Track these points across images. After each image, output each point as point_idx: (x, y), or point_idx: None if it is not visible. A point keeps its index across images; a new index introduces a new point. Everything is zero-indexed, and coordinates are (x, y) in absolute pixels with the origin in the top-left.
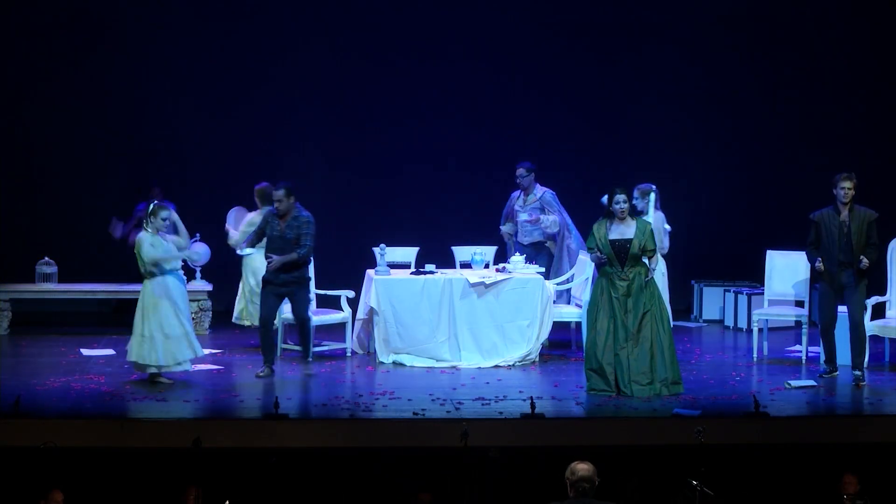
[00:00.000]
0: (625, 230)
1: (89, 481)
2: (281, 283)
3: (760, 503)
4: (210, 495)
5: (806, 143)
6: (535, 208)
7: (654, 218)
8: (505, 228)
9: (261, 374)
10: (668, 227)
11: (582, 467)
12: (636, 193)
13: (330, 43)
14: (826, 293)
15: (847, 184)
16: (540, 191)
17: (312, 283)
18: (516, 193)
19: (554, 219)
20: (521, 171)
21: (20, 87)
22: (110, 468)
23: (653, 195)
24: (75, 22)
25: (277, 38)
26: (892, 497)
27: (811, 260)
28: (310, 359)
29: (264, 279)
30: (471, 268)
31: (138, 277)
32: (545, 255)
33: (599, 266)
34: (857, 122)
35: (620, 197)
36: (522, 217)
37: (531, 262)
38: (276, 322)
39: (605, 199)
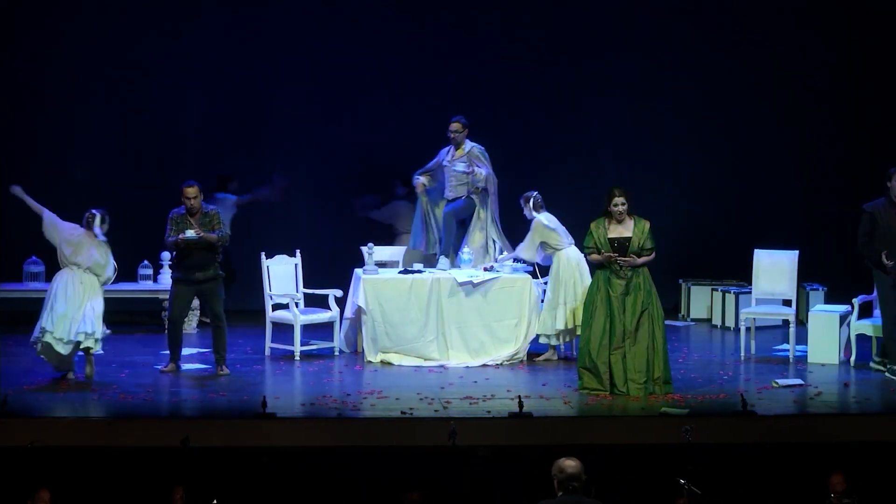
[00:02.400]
0: (623, 229)
1: (77, 481)
2: (195, 281)
3: (748, 502)
4: (197, 495)
5: (793, 143)
6: (463, 162)
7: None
8: (421, 179)
9: (166, 369)
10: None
11: (569, 464)
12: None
13: (317, 39)
14: (885, 287)
15: None
16: (469, 145)
17: (300, 283)
18: (446, 149)
19: (483, 173)
20: (456, 125)
21: (3, 86)
22: (98, 467)
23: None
24: (68, 21)
25: (262, 33)
26: (879, 495)
27: (869, 253)
28: (225, 365)
29: (178, 277)
30: (459, 267)
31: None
32: (468, 208)
33: (599, 266)
34: (844, 121)
35: (619, 199)
36: (459, 167)
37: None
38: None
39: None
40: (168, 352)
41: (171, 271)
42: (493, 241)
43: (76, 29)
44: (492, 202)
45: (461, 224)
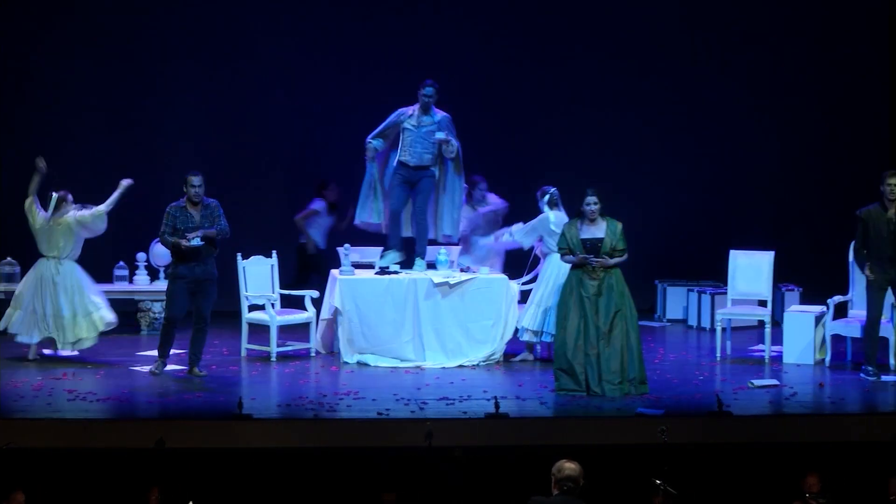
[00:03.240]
0: (595, 230)
1: (52, 482)
2: (194, 279)
3: (724, 502)
4: (173, 496)
5: (768, 144)
6: (431, 131)
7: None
8: (375, 143)
9: (156, 371)
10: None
11: (569, 466)
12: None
13: (296, 41)
14: (875, 289)
15: (894, 180)
16: (439, 114)
17: (276, 284)
18: (405, 110)
19: (456, 145)
20: (431, 89)
21: None
22: (73, 469)
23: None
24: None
25: (248, 33)
26: (854, 495)
27: (860, 263)
28: (199, 367)
29: (175, 274)
30: (435, 268)
31: (91, 276)
32: (429, 178)
33: (574, 266)
34: (819, 124)
35: (591, 199)
36: (440, 135)
37: (408, 189)
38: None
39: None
40: (157, 351)
41: (170, 268)
42: (440, 218)
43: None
44: (458, 175)
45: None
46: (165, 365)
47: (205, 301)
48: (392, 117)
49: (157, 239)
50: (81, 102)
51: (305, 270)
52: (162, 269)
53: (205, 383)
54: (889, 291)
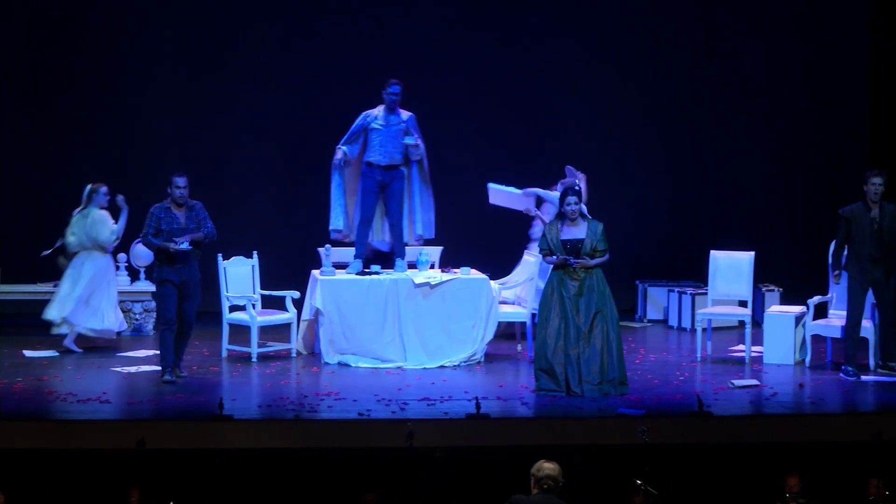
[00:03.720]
0: (576, 231)
1: (32, 483)
2: (181, 282)
3: (704, 502)
4: (154, 497)
5: (749, 145)
6: (400, 129)
7: None
8: (346, 149)
9: (169, 379)
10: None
11: (548, 465)
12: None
13: (276, 41)
14: (856, 289)
15: (878, 179)
16: (405, 114)
17: (257, 284)
18: (371, 112)
19: (422, 147)
20: (397, 87)
21: None
22: (54, 470)
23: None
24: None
25: (231, 34)
26: (834, 495)
27: (836, 263)
28: (180, 368)
29: (162, 278)
30: (416, 268)
31: None
32: (400, 178)
33: (555, 267)
34: (799, 125)
35: (572, 199)
36: (409, 140)
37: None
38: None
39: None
40: (161, 362)
41: (155, 272)
42: (412, 219)
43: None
44: (425, 176)
45: (384, 198)
46: (174, 370)
47: (190, 304)
48: (358, 121)
49: (138, 240)
50: (57, 102)
51: None
52: (143, 270)
53: (185, 384)
54: (870, 292)
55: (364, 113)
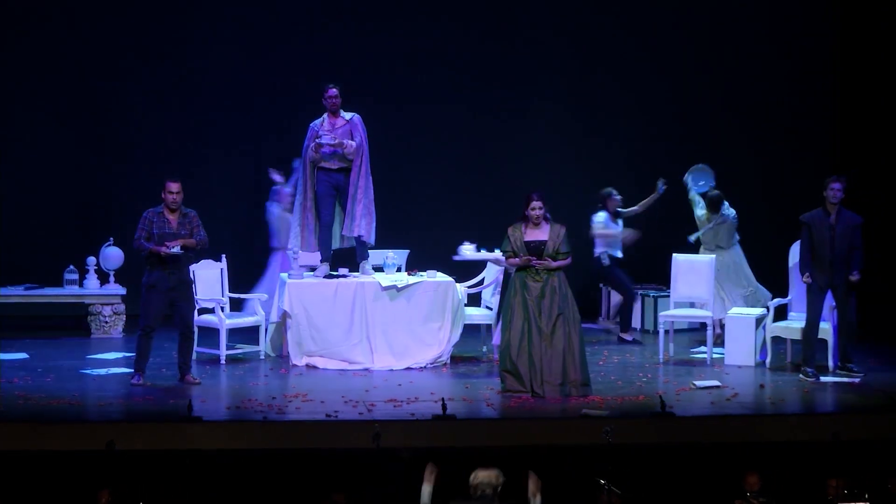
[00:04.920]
0: (539, 233)
1: (1, 484)
2: (171, 287)
3: (667, 501)
4: (123, 498)
5: (710, 150)
6: (346, 130)
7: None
8: (315, 156)
9: (139, 383)
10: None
11: (483, 473)
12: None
13: (247, 44)
14: (815, 292)
15: (837, 185)
16: (349, 115)
17: (226, 287)
18: (317, 122)
19: (354, 145)
20: (335, 90)
21: None
22: (23, 471)
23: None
24: None
25: (204, 35)
26: (793, 493)
27: (803, 265)
28: (189, 375)
29: (151, 283)
30: (384, 271)
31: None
32: (342, 175)
33: (518, 269)
34: (761, 130)
35: (537, 203)
36: (328, 138)
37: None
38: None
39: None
40: (135, 365)
41: (145, 276)
42: (352, 219)
43: None
44: (362, 176)
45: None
46: (143, 377)
47: (186, 306)
48: (308, 134)
49: (109, 243)
50: (35, 105)
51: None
52: (112, 273)
53: (154, 386)
54: (829, 294)
55: (311, 125)
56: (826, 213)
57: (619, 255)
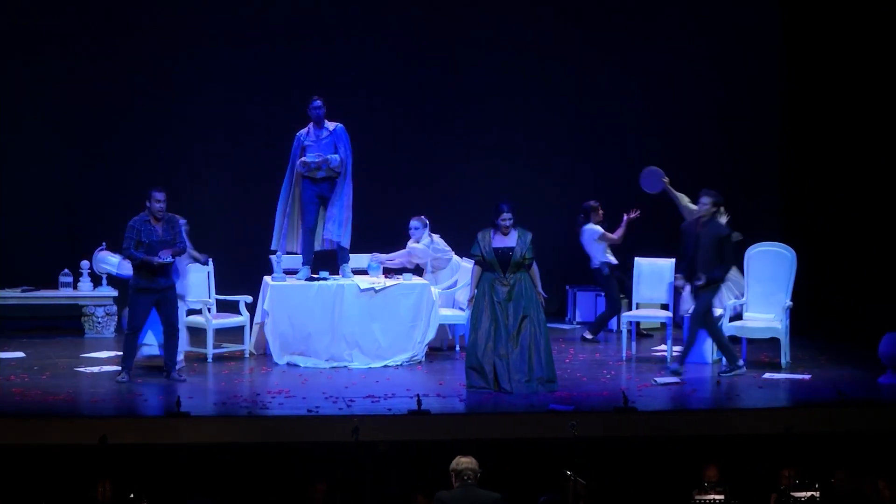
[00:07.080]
0: (507, 240)
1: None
2: (159, 289)
3: (630, 491)
4: (119, 489)
5: (668, 154)
6: (329, 143)
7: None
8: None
9: (124, 380)
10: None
11: (464, 460)
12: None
13: (233, 46)
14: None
15: (705, 199)
16: (332, 125)
17: (213, 289)
18: (302, 132)
19: (339, 158)
20: (319, 101)
21: None
22: (20, 465)
23: None
24: None
25: (179, 40)
26: (749, 484)
27: (677, 269)
28: (174, 373)
29: (140, 286)
30: (366, 274)
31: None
32: (327, 184)
33: (483, 272)
34: (715, 134)
35: (507, 215)
36: (311, 157)
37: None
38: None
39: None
40: (122, 363)
41: (133, 279)
42: (334, 223)
43: None
44: (346, 184)
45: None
46: (130, 375)
47: (171, 308)
48: (294, 143)
49: (102, 247)
50: (31, 115)
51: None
52: (104, 276)
53: (145, 383)
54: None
55: (297, 134)
56: (699, 225)
57: (615, 261)
